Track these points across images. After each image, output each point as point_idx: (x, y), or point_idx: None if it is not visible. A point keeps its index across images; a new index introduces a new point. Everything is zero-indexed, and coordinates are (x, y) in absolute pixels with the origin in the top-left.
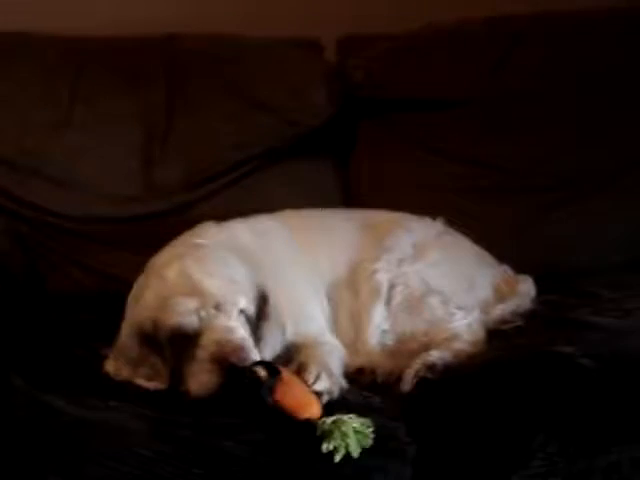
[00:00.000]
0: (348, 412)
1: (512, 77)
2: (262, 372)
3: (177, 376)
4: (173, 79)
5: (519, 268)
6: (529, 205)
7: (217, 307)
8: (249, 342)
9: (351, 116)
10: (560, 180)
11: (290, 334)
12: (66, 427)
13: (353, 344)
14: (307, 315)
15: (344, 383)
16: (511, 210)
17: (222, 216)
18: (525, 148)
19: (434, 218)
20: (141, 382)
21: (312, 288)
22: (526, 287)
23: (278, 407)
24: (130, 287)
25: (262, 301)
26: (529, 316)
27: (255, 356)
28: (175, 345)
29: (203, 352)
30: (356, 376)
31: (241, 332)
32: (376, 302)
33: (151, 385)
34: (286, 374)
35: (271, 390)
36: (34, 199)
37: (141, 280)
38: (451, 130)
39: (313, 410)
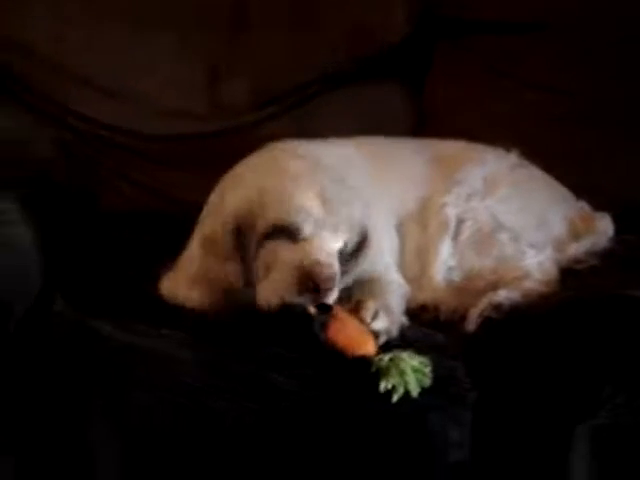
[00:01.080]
0: (406, 349)
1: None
2: (312, 309)
3: (250, 280)
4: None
5: (597, 204)
6: (609, 135)
7: (333, 224)
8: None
9: (427, 37)
10: None
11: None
12: (111, 353)
13: (418, 280)
14: (378, 248)
15: (405, 320)
16: (590, 142)
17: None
18: (605, 75)
19: (508, 149)
20: (194, 303)
21: (386, 221)
22: (603, 225)
23: (331, 344)
24: (187, 207)
25: (362, 238)
26: (605, 256)
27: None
28: (265, 246)
29: (294, 264)
30: (419, 312)
31: (335, 259)
32: (444, 237)
33: (205, 305)
34: (340, 311)
35: (323, 326)
36: (81, 109)
37: (215, 195)
38: (530, 55)
39: (368, 348)
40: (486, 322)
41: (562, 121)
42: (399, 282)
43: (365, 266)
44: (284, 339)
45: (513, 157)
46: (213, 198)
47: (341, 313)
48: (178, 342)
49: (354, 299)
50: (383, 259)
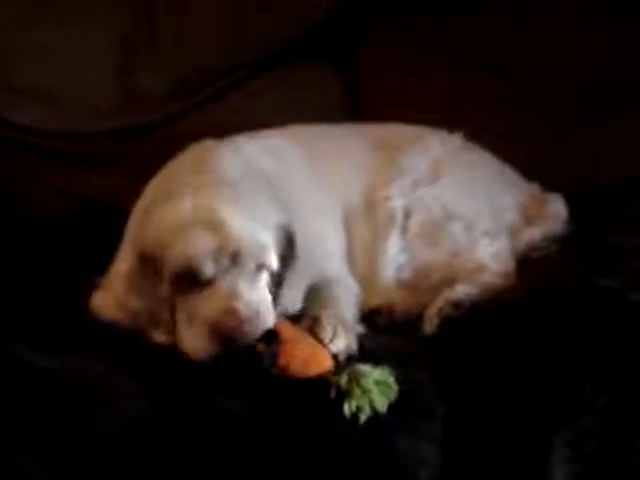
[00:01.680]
0: (365, 361)
1: None
2: (258, 344)
3: (173, 326)
4: None
5: (549, 187)
6: (560, 113)
7: (234, 257)
8: (264, 307)
9: (357, 13)
10: (595, 85)
11: (310, 277)
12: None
13: (368, 280)
14: (327, 252)
15: (360, 329)
16: (540, 119)
17: (213, 131)
18: (556, 49)
19: (451, 131)
20: (128, 323)
21: (329, 220)
22: (556, 207)
23: (285, 372)
24: (111, 211)
25: (288, 243)
26: (562, 242)
27: (267, 323)
28: (178, 288)
29: (203, 315)
30: (372, 317)
31: (252, 297)
32: (391, 232)
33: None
34: (288, 331)
35: (274, 357)
36: None
37: (144, 203)
38: (470, 30)
39: (325, 365)
40: (445, 322)
41: (505, 99)
42: (351, 287)
43: (313, 272)
44: (233, 371)
45: (457, 139)
46: (135, 214)
47: (289, 332)
48: (115, 368)
49: (307, 315)
50: (332, 262)
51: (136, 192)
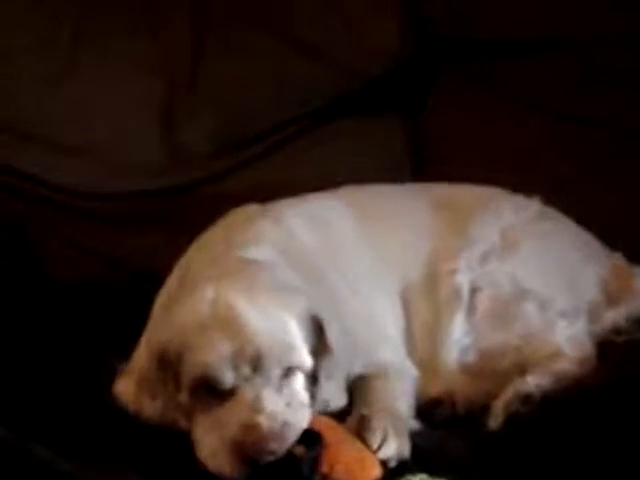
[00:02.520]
0: (417, 466)
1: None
2: (296, 448)
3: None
4: (199, 16)
5: (634, 257)
6: None
7: (255, 362)
8: (294, 417)
9: (423, 61)
10: None
11: (359, 366)
12: None
13: (427, 364)
14: (381, 335)
15: (415, 424)
16: (626, 181)
17: (260, 192)
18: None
19: (529, 195)
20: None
21: (386, 295)
22: None
23: None
24: (147, 277)
25: (318, 334)
26: None
27: (295, 435)
28: (197, 397)
29: (222, 430)
30: (432, 409)
31: (278, 407)
32: (455, 311)
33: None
34: (332, 433)
35: (315, 463)
36: (29, 169)
37: (173, 283)
38: (549, 79)
39: (373, 472)
40: (513, 418)
41: (591, 158)
42: (409, 372)
43: (362, 361)
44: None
45: (535, 204)
46: (160, 297)
47: (333, 433)
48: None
49: (355, 411)
50: (387, 346)
51: (176, 255)
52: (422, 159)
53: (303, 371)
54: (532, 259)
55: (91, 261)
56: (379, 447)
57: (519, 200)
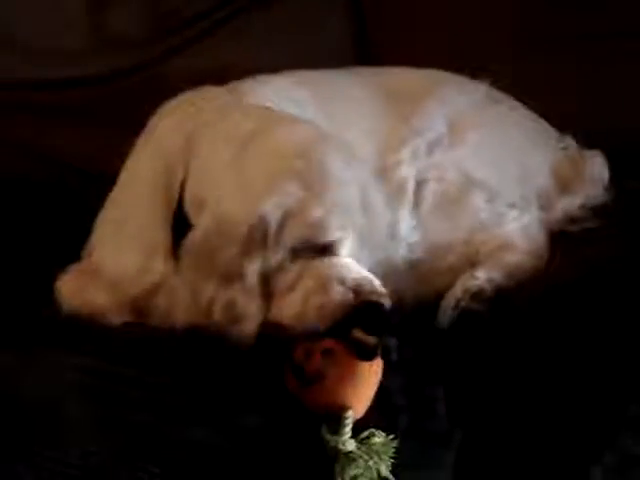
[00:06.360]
0: None
1: None
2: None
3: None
4: None
5: (586, 141)
6: (601, 53)
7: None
8: None
9: None
10: None
11: None
12: None
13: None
14: None
15: None
16: (576, 59)
17: (205, 76)
18: None
19: (474, 76)
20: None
21: None
22: (596, 168)
23: None
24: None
25: None
26: (603, 211)
27: None
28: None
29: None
30: None
31: None
32: (399, 206)
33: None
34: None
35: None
36: None
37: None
38: None
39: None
40: (464, 315)
41: (539, 37)
42: None
43: None
44: None
45: (483, 88)
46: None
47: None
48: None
49: None
50: None
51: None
52: (363, 40)
53: None
54: (480, 148)
55: (23, 156)
56: None
57: (466, 83)
